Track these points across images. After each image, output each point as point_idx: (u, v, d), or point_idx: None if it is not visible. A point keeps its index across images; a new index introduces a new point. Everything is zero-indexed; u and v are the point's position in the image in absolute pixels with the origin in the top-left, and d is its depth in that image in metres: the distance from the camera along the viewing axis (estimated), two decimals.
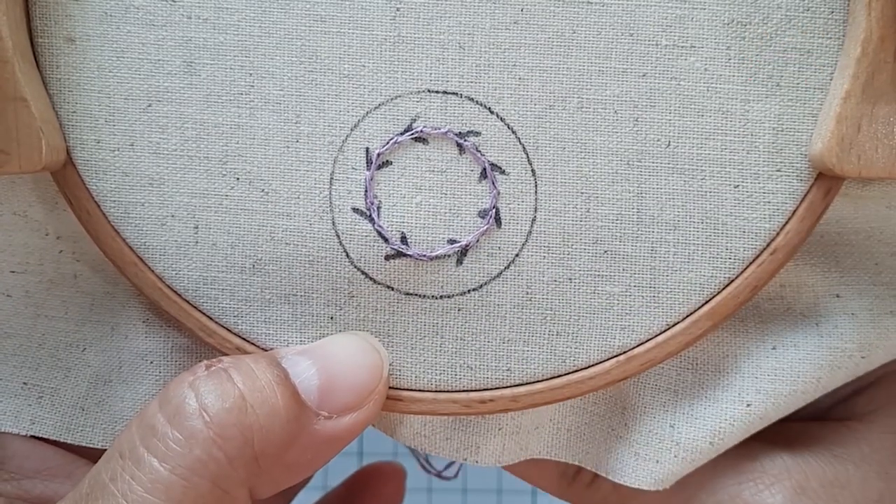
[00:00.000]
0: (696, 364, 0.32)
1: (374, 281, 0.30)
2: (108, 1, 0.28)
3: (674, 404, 0.32)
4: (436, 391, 0.30)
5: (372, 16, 0.29)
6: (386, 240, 0.29)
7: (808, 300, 0.32)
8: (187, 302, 0.30)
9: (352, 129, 0.29)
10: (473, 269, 0.29)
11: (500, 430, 0.32)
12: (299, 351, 0.28)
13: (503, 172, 0.29)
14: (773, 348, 0.31)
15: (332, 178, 0.29)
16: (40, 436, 0.32)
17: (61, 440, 0.31)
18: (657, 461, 0.31)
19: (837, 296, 0.31)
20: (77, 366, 0.31)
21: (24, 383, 0.31)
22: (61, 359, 0.31)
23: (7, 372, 0.31)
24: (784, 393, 0.31)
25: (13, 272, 0.31)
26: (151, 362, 0.31)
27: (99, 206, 0.29)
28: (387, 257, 0.29)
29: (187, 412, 0.25)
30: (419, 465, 0.46)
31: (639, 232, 0.29)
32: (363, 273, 0.30)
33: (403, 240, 0.29)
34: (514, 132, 0.29)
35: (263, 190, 0.29)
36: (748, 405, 0.31)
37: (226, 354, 0.30)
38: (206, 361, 0.27)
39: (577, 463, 0.33)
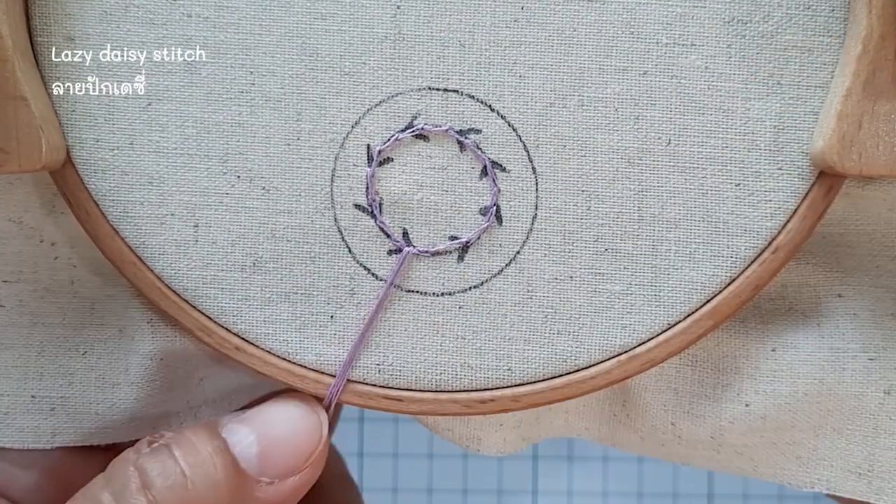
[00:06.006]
0: (696, 361, 0.32)
1: (376, 277, 0.29)
2: None
3: (675, 403, 0.32)
4: (436, 391, 0.30)
5: (372, 13, 0.29)
6: (388, 235, 0.29)
7: (810, 300, 0.31)
8: (186, 301, 0.30)
9: (353, 127, 0.29)
10: (474, 266, 0.29)
11: (501, 426, 0.32)
12: (238, 419, 0.29)
13: (504, 170, 0.29)
14: (773, 350, 0.31)
15: (333, 175, 0.29)
16: (65, 446, 0.31)
17: (86, 444, 0.32)
18: (662, 444, 0.32)
19: (839, 296, 0.31)
20: (80, 370, 0.31)
21: (33, 396, 0.31)
22: (62, 365, 0.31)
23: (13, 386, 0.31)
24: (784, 394, 0.31)
25: (6, 282, 0.31)
26: (161, 360, 0.31)
27: (98, 205, 0.29)
28: (389, 252, 0.29)
29: (132, 491, 0.26)
30: None
31: (640, 230, 0.29)
32: (365, 268, 0.29)
33: (405, 235, 0.29)
34: (514, 130, 0.29)
35: (264, 188, 0.29)
36: (747, 405, 0.31)
37: (225, 354, 0.30)
38: (148, 437, 0.28)
39: (576, 436, 0.33)
